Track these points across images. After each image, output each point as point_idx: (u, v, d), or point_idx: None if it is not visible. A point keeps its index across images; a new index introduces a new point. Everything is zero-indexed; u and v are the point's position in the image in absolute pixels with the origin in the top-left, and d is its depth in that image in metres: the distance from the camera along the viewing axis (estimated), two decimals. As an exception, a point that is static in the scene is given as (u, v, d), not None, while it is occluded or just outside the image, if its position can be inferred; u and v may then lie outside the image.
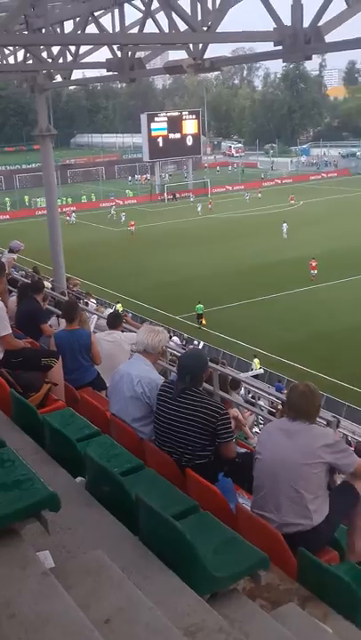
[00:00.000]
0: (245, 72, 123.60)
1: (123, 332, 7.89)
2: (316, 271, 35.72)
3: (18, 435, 4.29)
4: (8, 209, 64.84)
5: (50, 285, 14.24)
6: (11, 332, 5.60)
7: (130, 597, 2.46)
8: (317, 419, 4.52)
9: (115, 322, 7.85)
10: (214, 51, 13.72)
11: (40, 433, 4.19)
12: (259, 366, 24.11)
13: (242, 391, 12.67)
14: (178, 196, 68.01)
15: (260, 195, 64.62)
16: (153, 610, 2.37)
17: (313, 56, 11.04)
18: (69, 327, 6.89)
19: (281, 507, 3.93)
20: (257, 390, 11.70)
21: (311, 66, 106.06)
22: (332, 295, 32.82)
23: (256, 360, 24.69)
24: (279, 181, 75.61)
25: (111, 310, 17.38)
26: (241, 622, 2.80)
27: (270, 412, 11.48)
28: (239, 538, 3.28)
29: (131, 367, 5.02)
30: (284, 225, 46.10)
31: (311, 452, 3.93)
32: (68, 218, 56.97)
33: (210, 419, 4.40)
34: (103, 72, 14.65)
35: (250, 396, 14.27)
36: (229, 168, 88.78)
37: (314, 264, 35.90)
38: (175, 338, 23.87)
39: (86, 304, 14.42)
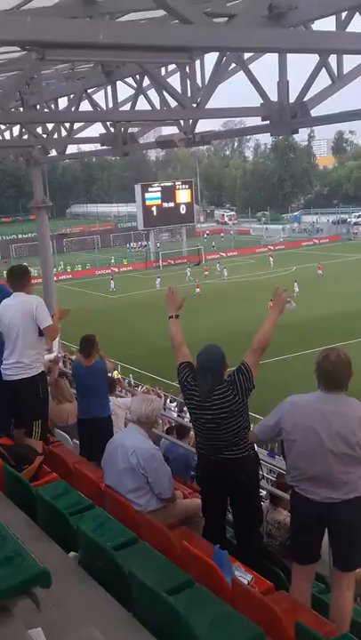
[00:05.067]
0: (236, 143, 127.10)
1: (117, 397, 7.95)
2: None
3: (10, 509, 4.26)
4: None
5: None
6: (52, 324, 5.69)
7: None
8: None
9: (109, 388, 7.90)
10: (205, 124, 14.17)
11: (33, 507, 4.16)
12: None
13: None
14: (202, 262, 67.36)
15: (271, 259, 64.88)
16: None
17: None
18: (87, 362, 7.28)
19: (333, 481, 4.01)
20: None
21: (300, 137, 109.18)
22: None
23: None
24: (272, 247, 76.74)
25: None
26: None
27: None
28: (234, 612, 3.23)
29: (125, 438, 5.01)
30: (295, 284, 46.82)
31: (358, 420, 3.97)
32: (111, 283, 56.49)
33: (237, 395, 4.60)
34: (97, 146, 15.10)
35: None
36: (221, 235, 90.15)
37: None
38: (172, 404, 23.72)
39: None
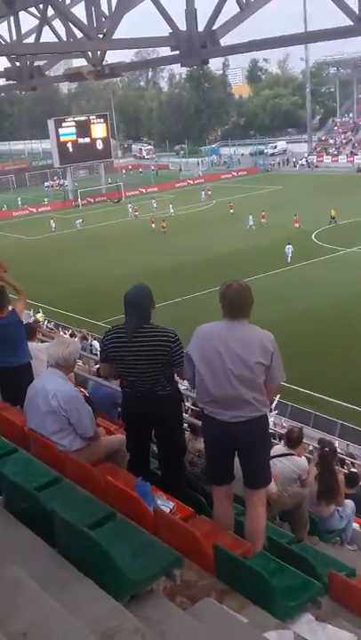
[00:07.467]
0: (150, 74, 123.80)
1: (39, 342, 7.88)
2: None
3: None
4: None
5: None
6: None
7: (46, 609, 2.52)
8: None
9: (29, 334, 7.81)
10: (116, 56, 13.71)
11: None
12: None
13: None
14: (122, 198, 65.60)
15: (209, 192, 64.08)
16: (69, 619, 2.44)
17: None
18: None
19: (236, 401, 4.21)
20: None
21: (215, 65, 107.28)
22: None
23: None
24: (191, 182, 76.19)
25: (31, 320, 17.15)
26: (158, 622, 2.90)
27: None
28: (155, 540, 3.39)
29: (45, 382, 5.03)
30: (250, 217, 46.68)
31: (258, 344, 4.19)
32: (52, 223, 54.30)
33: (165, 348, 4.67)
34: (3, 81, 14.47)
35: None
36: (140, 170, 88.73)
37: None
38: (95, 342, 23.67)
39: None
